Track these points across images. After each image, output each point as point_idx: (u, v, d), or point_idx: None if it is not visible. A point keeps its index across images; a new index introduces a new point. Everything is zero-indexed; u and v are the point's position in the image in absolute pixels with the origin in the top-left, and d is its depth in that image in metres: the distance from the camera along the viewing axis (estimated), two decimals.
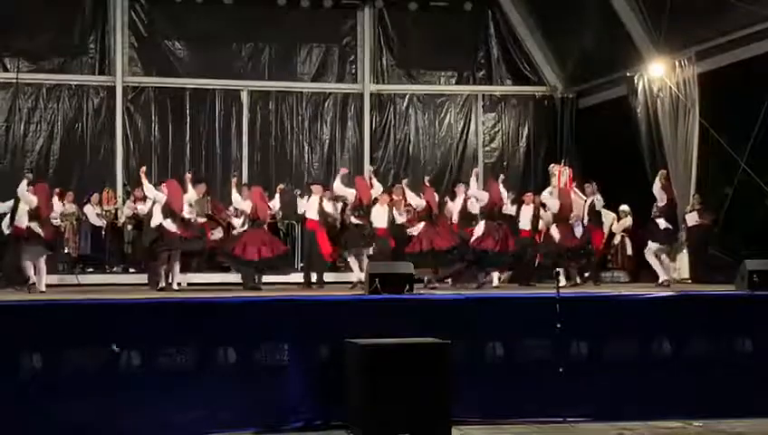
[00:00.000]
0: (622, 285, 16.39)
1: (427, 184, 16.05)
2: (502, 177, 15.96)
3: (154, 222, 14.60)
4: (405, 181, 16.36)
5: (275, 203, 15.60)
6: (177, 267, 14.54)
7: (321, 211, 15.44)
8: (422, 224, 15.45)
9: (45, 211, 14.24)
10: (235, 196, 15.46)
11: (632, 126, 18.32)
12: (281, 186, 16.09)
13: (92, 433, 9.52)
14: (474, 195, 15.51)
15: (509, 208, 15.39)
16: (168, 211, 14.37)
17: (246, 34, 21.08)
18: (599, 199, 15.77)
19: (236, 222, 15.58)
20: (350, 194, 15.52)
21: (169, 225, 14.28)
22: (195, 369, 10.02)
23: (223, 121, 20.87)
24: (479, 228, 15.30)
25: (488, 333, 10.83)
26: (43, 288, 13.98)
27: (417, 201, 15.79)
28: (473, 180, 15.71)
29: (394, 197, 15.80)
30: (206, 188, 15.66)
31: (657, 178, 15.22)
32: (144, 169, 15.83)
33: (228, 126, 20.91)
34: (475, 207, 15.71)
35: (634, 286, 15.13)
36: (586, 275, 15.54)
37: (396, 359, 9.75)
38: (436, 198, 15.64)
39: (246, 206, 14.98)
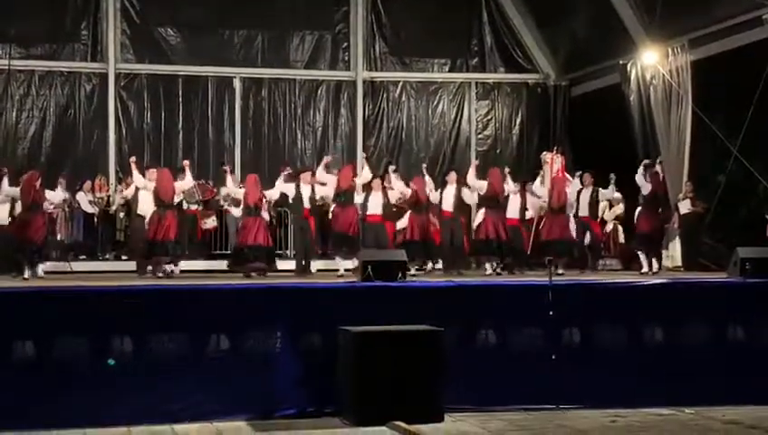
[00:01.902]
0: (615, 272, 16.41)
1: (424, 170, 16.05)
2: (507, 169, 15.95)
3: (145, 210, 14.67)
4: (392, 168, 16.34)
5: (278, 188, 15.52)
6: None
7: (312, 199, 15.44)
8: (408, 213, 15.49)
9: (26, 198, 14.23)
10: (230, 184, 15.52)
11: (625, 114, 18.32)
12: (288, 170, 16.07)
13: (85, 419, 9.52)
14: (472, 185, 15.56)
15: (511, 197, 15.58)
16: (158, 200, 14.43)
17: (239, 21, 20.99)
18: (604, 191, 15.80)
19: (235, 212, 15.62)
20: (332, 181, 15.49)
21: (153, 215, 14.35)
22: (187, 356, 10.04)
23: (215, 109, 20.81)
24: (479, 217, 15.38)
25: (481, 321, 10.87)
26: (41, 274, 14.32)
27: (402, 189, 15.77)
28: (471, 171, 15.75)
29: (384, 184, 15.80)
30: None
31: (641, 167, 15.24)
32: (134, 158, 15.76)
33: (221, 113, 20.84)
34: (469, 198, 15.82)
35: (626, 274, 15.15)
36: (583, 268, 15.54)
37: (388, 346, 9.77)
38: (428, 187, 15.62)
39: (240, 193, 15.06)
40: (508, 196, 15.67)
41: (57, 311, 9.83)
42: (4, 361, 9.60)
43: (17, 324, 9.69)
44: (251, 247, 14.45)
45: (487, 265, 15.33)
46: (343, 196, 15.10)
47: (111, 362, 9.80)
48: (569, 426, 9.88)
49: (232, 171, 16.40)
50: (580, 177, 15.61)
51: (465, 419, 10.10)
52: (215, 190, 18.56)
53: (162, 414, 9.77)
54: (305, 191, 15.26)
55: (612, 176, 15.57)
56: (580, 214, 15.57)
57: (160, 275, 14.28)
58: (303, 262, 15.29)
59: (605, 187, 15.76)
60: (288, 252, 18.09)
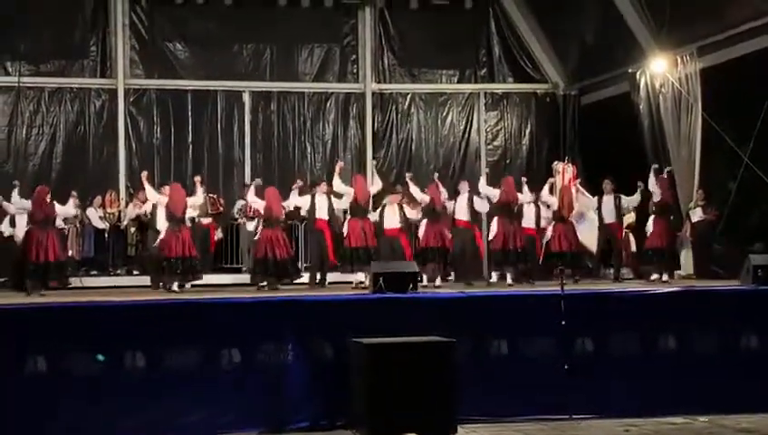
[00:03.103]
0: (626, 281, 16.36)
1: (436, 179, 16.05)
2: (524, 179, 15.94)
3: (159, 225, 14.70)
4: (409, 175, 16.36)
5: (292, 201, 15.55)
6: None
7: (330, 209, 15.45)
8: (424, 221, 15.49)
9: (39, 214, 14.26)
10: (252, 196, 15.50)
11: (635, 122, 18.28)
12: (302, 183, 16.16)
13: (96, 434, 9.55)
14: (484, 192, 15.56)
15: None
16: (170, 215, 14.46)
17: (247, 35, 21.02)
18: (628, 199, 15.89)
19: (250, 225, 15.64)
20: (350, 192, 15.50)
21: (169, 232, 14.35)
22: (199, 370, 10.04)
23: (225, 123, 20.80)
24: (494, 227, 15.36)
25: (493, 331, 10.84)
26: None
27: (420, 196, 15.77)
28: (482, 180, 15.75)
29: (401, 190, 15.83)
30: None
31: (651, 174, 15.29)
32: (146, 173, 15.79)
33: (230, 127, 20.84)
34: (480, 206, 15.81)
35: (638, 283, 15.11)
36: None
37: (401, 358, 9.75)
38: (442, 195, 15.60)
39: (260, 205, 15.05)
40: (522, 205, 15.65)
41: (69, 326, 9.85)
42: (17, 375, 9.60)
43: (30, 340, 9.71)
44: (277, 261, 14.49)
45: (508, 276, 15.28)
46: (359, 209, 15.10)
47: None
48: None
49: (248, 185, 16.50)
50: (601, 184, 15.68)
51: (479, 430, 10.09)
52: (222, 206, 18.62)
53: (175, 428, 9.77)
54: (321, 202, 15.28)
55: (640, 184, 15.63)
56: (606, 221, 15.63)
57: (175, 289, 14.26)
58: (319, 275, 15.32)
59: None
60: (299, 264, 18.08)
